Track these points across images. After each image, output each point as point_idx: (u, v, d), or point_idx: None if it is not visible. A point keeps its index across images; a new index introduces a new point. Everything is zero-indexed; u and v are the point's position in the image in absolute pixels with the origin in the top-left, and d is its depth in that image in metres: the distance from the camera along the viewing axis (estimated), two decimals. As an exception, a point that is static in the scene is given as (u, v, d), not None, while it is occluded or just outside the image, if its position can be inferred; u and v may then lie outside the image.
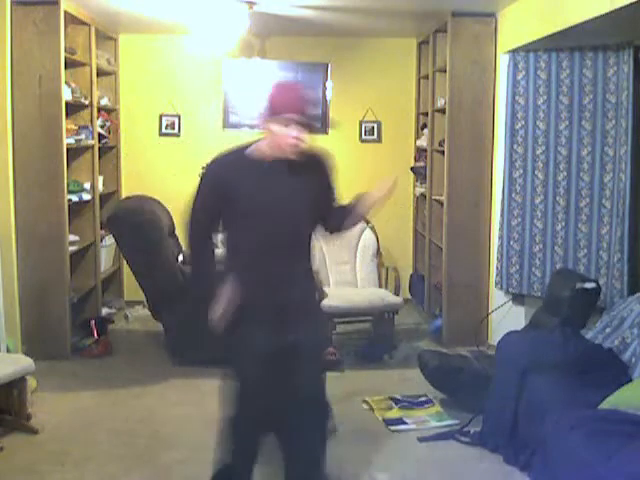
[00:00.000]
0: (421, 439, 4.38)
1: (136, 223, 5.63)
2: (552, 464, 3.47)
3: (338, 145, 7.56)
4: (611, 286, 5.04)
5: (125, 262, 6.29)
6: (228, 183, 3.20)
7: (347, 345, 6.12)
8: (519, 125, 5.47)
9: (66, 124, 5.74)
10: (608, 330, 4.46)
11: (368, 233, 6.55)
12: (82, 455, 4.14)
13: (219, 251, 3.49)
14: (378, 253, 6.51)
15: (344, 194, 7.56)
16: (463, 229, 6.12)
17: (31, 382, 5.01)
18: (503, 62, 5.64)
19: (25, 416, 4.47)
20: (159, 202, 6.23)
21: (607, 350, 4.32)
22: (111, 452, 4.20)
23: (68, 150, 5.77)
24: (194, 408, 4.81)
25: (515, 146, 5.50)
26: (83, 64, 6.27)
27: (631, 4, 3.72)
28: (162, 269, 5.59)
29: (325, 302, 5.85)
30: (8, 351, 4.98)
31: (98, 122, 6.63)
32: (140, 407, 4.90)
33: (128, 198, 6.56)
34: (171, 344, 5.84)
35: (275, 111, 3.13)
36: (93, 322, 6.14)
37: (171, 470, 4.00)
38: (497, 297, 5.94)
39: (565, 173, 5.34)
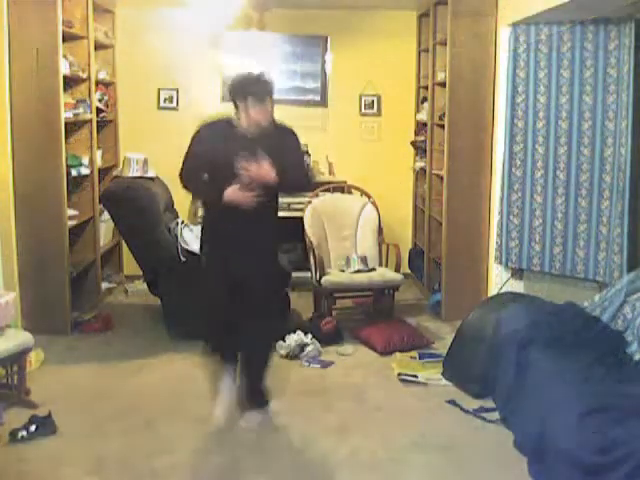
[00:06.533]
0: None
1: (131, 198, 5.64)
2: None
3: (338, 118, 7.56)
4: (610, 261, 5.04)
5: (122, 237, 6.31)
6: (215, 145, 4.09)
7: (346, 320, 6.16)
8: (520, 99, 5.44)
9: (64, 98, 5.70)
10: (606, 304, 4.47)
11: (369, 208, 6.53)
12: (81, 429, 4.17)
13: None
14: (379, 229, 6.49)
15: (344, 168, 7.60)
16: (463, 204, 6.11)
17: (38, 355, 5.05)
18: (504, 35, 5.59)
19: (25, 391, 4.50)
20: (157, 177, 6.24)
21: (605, 324, 4.34)
22: (111, 426, 4.22)
23: (66, 124, 5.74)
24: (194, 382, 4.83)
25: (515, 120, 5.47)
26: (80, 37, 6.22)
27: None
28: (158, 243, 5.61)
29: (325, 278, 5.89)
30: (8, 326, 4.98)
31: (96, 96, 6.60)
32: (140, 381, 4.93)
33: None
34: (169, 316, 5.86)
35: (243, 92, 4.02)
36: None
37: (172, 443, 4.01)
38: (496, 272, 5.94)
39: (565, 147, 5.31)
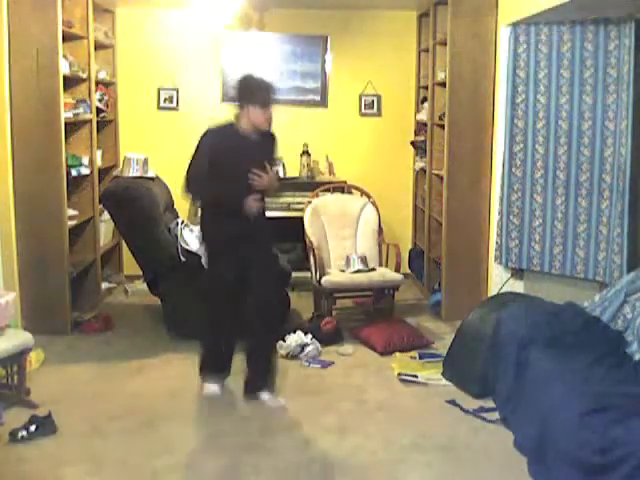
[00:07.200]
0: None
1: (131, 198, 5.64)
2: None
3: (338, 118, 7.56)
4: (610, 261, 5.04)
5: (122, 237, 6.31)
6: (223, 149, 4.38)
7: (346, 320, 6.16)
8: (520, 99, 5.44)
9: (64, 98, 5.70)
10: (606, 304, 4.47)
11: (369, 208, 6.53)
12: (81, 429, 4.16)
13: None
14: (380, 229, 6.49)
15: (344, 168, 7.60)
16: (463, 204, 6.11)
17: (38, 355, 5.05)
18: (504, 35, 5.59)
19: (25, 391, 4.50)
20: (157, 177, 6.24)
21: (605, 324, 4.34)
22: (111, 426, 4.22)
23: (66, 124, 5.74)
24: (193, 381, 4.82)
25: (515, 120, 5.47)
26: (80, 37, 6.22)
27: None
28: (158, 243, 5.61)
29: (325, 278, 5.89)
30: (8, 326, 4.98)
31: (96, 96, 6.60)
32: (140, 381, 4.93)
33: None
34: (169, 316, 5.86)
35: (250, 96, 4.31)
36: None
37: (172, 443, 4.01)
38: (496, 272, 5.94)
39: (565, 147, 5.31)
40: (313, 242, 6.20)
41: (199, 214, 4.75)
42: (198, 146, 4.40)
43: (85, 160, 6.28)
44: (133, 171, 6.08)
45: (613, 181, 5.02)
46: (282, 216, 6.90)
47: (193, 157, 4.40)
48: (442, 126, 6.32)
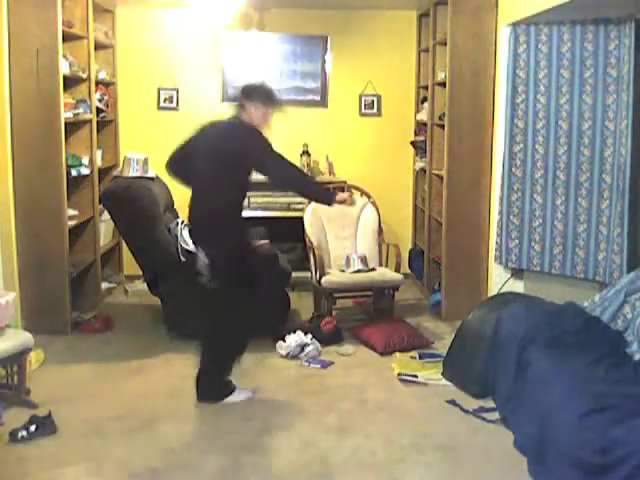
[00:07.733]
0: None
1: (131, 198, 5.64)
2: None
3: (338, 118, 7.56)
4: (610, 261, 5.04)
5: (122, 237, 6.31)
6: None
7: (346, 320, 6.17)
8: (520, 99, 5.44)
9: (64, 98, 5.70)
10: (606, 304, 4.47)
11: (369, 208, 6.53)
12: (81, 429, 4.17)
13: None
14: (380, 229, 6.49)
15: (344, 168, 7.59)
16: (463, 204, 6.11)
17: (38, 355, 5.05)
18: (504, 35, 5.59)
19: (25, 391, 4.50)
20: (157, 177, 6.23)
21: (605, 324, 4.34)
22: (111, 426, 4.22)
23: (66, 124, 5.74)
24: (194, 382, 4.82)
25: (515, 120, 5.46)
26: (80, 37, 6.22)
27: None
28: (158, 243, 5.62)
29: (325, 278, 5.89)
30: (8, 326, 4.98)
31: (96, 96, 6.60)
32: (140, 381, 4.93)
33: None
34: (169, 316, 5.86)
35: (262, 95, 4.52)
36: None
37: (172, 443, 4.02)
38: (496, 272, 5.94)
39: (565, 147, 5.31)
40: (313, 242, 6.20)
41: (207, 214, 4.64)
42: (268, 143, 4.55)
43: (85, 160, 6.28)
44: (133, 171, 6.08)
45: (613, 181, 5.02)
46: (282, 216, 6.91)
47: (280, 154, 4.47)
48: (442, 126, 6.32)
